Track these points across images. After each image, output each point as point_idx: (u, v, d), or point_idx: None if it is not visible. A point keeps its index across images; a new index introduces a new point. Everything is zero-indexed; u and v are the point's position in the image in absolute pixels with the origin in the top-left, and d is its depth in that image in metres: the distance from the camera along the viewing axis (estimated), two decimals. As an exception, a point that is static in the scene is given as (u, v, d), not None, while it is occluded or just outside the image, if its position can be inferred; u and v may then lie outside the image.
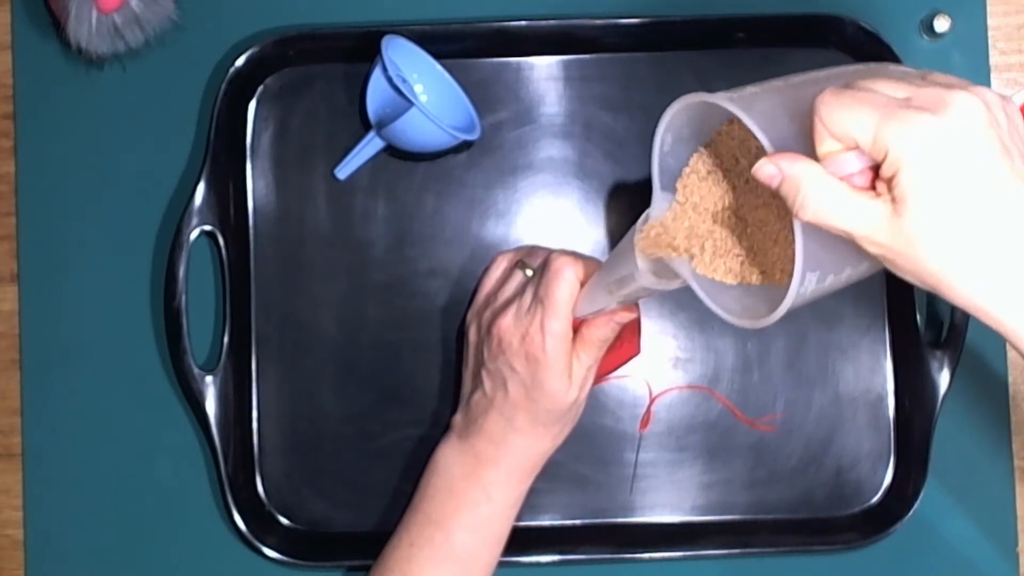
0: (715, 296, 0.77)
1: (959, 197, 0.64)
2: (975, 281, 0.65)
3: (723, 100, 0.70)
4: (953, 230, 0.64)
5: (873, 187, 0.66)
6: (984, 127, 0.64)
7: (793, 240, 0.69)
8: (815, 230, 0.67)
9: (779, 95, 0.71)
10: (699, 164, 0.79)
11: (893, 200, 0.65)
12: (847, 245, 0.68)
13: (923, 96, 0.65)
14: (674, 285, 0.82)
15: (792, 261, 0.69)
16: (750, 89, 0.71)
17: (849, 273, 0.72)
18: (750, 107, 0.69)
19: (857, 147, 0.66)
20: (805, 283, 0.69)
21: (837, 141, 0.66)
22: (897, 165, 0.64)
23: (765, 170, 0.68)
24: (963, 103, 0.64)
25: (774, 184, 0.68)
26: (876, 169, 0.66)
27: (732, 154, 0.78)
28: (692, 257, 0.79)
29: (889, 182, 0.65)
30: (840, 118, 0.65)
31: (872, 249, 0.66)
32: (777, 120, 0.69)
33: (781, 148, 0.68)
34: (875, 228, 0.65)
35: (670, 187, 0.80)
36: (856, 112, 0.65)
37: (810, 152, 0.67)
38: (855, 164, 0.66)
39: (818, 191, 0.66)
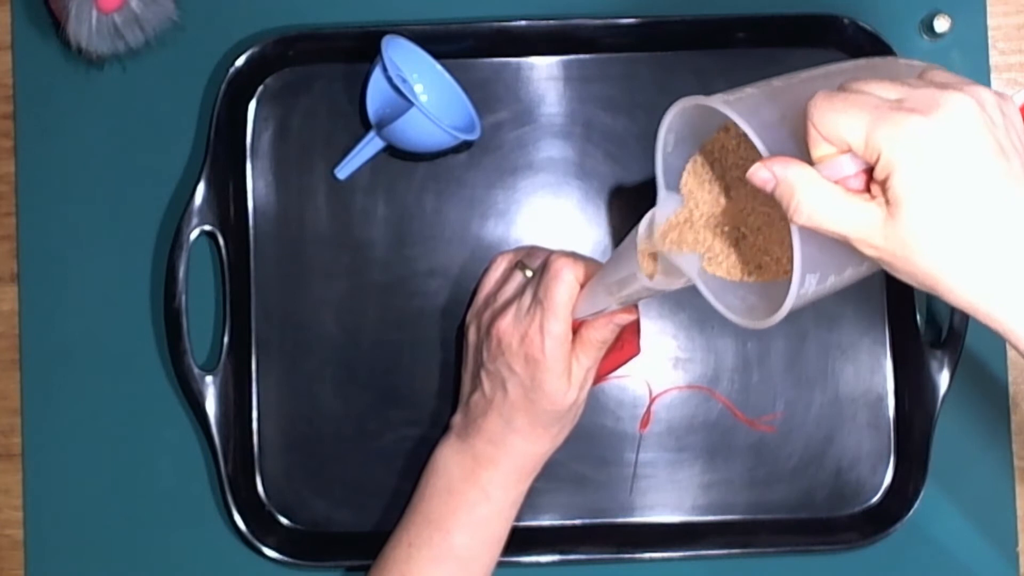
0: (720, 295, 0.77)
1: (952, 199, 0.63)
2: (971, 282, 0.64)
3: (719, 103, 0.70)
4: (947, 232, 0.63)
5: (868, 190, 0.66)
6: (977, 127, 0.64)
7: None
8: (812, 233, 0.67)
9: (776, 96, 0.71)
10: (702, 164, 0.79)
11: (887, 203, 0.64)
12: (845, 247, 0.67)
13: (915, 97, 0.64)
14: (676, 285, 0.82)
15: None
16: (748, 90, 0.71)
17: (851, 272, 0.72)
18: (746, 110, 0.69)
19: (851, 150, 0.65)
20: (805, 285, 0.69)
21: (830, 144, 0.66)
22: (889, 168, 0.64)
23: (759, 175, 0.67)
24: (955, 103, 0.64)
25: (768, 188, 0.67)
26: (871, 171, 0.65)
27: (735, 153, 0.78)
28: (702, 256, 0.79)
29: (883, 185, 0.64)
30: (832, 122, 0.65)
31: (868, 252, 0.66)
32: (773, 123, 0.69)
33: (777, 151, 0.68)
34: (870, 231, 0.65)
35: (675, 187, 0.80)
36: (847, 115, 0.64)
37: (807, 154, 0.67)
38: (849, 167, 0.65)
39: (811, 195, 0.66)
